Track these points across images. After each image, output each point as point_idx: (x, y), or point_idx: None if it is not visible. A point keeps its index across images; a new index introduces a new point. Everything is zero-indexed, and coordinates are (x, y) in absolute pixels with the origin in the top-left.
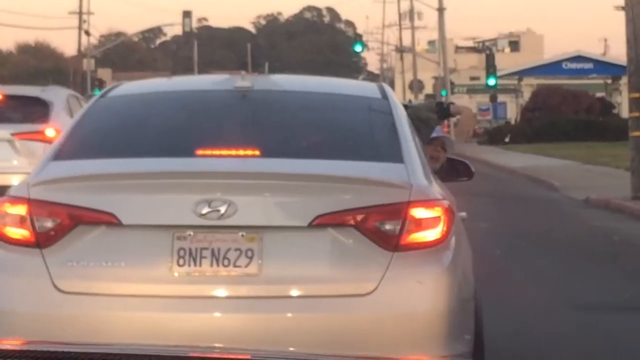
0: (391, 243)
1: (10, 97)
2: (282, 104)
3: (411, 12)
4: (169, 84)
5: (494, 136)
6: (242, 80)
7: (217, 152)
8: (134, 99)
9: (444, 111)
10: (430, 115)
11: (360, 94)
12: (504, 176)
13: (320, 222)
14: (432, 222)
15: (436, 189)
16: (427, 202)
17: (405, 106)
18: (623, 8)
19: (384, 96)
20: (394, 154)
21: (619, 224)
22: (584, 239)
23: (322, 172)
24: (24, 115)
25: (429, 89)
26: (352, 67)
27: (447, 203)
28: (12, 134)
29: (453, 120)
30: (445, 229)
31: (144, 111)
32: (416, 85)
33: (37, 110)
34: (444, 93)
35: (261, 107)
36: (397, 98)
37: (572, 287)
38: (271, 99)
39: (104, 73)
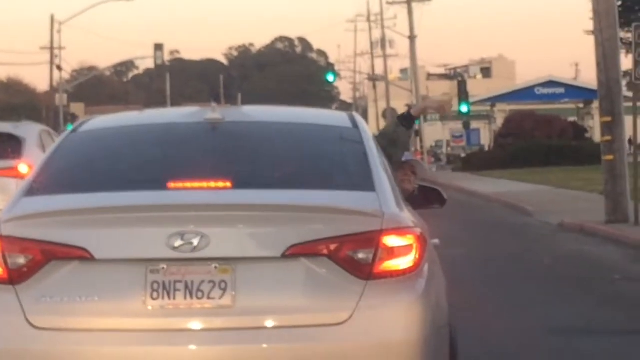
0: (364, 272)
1: None
2: (253, 135)
3: (383, 40)
4: (140, 118)
5: (467, 163)
6: (213, 112)
7: (188, 184)
8: (104, 133)
9: (406, 119)
10: (398, 130)
11: (331, 123)
12: (478, 202)
13: (293, 252)
14: (404, 250)
15: (408, 216)
16: (400, 230)
17: (375, 136)
18: (593, 32)
19: (355, 125)
20: (365, 183)
21: (593, 248)
22: (560, 264)
23: (294, 202)
24: None
25: None
26: (325, 97)
27: (420, 231)
28: None
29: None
30: (418, 256)
31: (115, 145)
32: (389, 114)
33: (9, 146)
34: (416, 121)
35: (232, 139)
36: (367, 127)
37: (548, 311)
38: (242, 130)
39: (77, 107)
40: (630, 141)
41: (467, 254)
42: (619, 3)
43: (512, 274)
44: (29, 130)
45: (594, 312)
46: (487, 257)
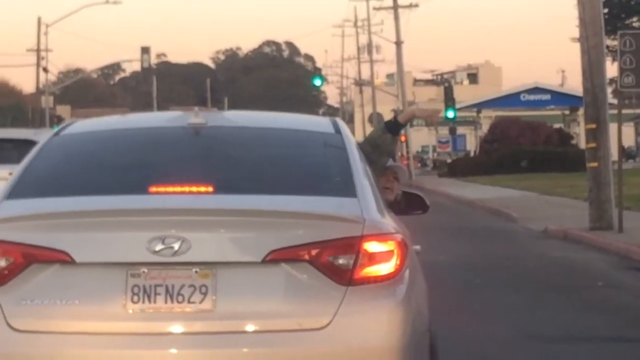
0: (345, 277)
1: (4, 140)
2: (235, 140)
3: (369, 45)
4: (123, 122)
5: (453, 168)
6: (196, 117)
7: (170, 189)
8: (87, 137)
9: (394, 126)
10: (384, 137)
11: (314, 128)
12: (463, 208)
13: (274, 258)
14: (385, 256)
15: (389, 222)
16: (380, 236)
17: (359, 143)
18: (579, 40)
19: (337, 131)
20: (347, 189)
21: (577, 255)
22: (543, 270)
23: (275, 207)
24: (18, 156)
25: None
26: (312, 101)
27: (401, 236)
28: (10, 173)
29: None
30: (398, 262)
31: (97, 149)
32: (375, 118)
33: (30, 151)
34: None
35: (214, 144)
36: (350, 132)
37: (531, 318)
38: (224, 135)
39: (63, 110)
40: (623, 149)
41: (450, 260)
42: (605, 10)
43: (495, 280)
44: (46, 136)
45: (577, 319)
46: (470, 264)
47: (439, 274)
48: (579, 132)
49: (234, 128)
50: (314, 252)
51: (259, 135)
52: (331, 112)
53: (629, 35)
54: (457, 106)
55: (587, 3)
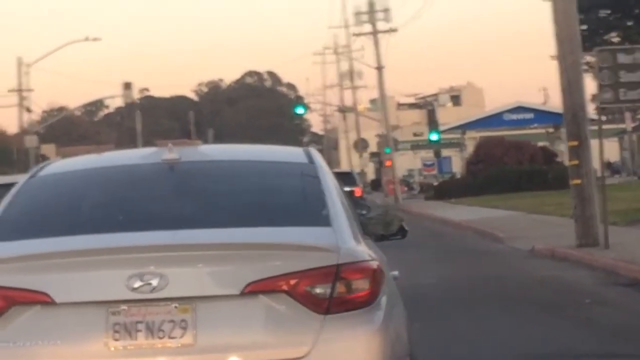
0: (322, 306)
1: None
2: (209, 174)
3: (351, 72)
4: (98, 160)
5: (440, 191)
6: (170, 153)
7: (146, 225)
8: (63, 177)
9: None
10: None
11: (287, 159)
12: (450, 230)
13: (252, 290)
14: (361, 284)
15: (365, 249)
16: (356, 264)
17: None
18: (557, 58)
19: (311, 160)
20: (321, 218)
21: (564, 273)
22: (530, 289)
23: (251, 240)
24: None
25: (373, 147)
26: (296, 130)
27: (376, 264)
28: None
29: None
30: (375, 289)
31: (73, 189)
32: (360, 145)
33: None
34: (387, 150)
35: (189, 178)
36: (323, 161)
37: (519, 337)
38: (198, 170)
39: (48, 149)
40: (609, 164)
41: (437, 282)
42: (584, 27)
43: (483, 301)
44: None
45: (565, 336)
46: (458, 285)
47: (427, 296)
48: (563, 150)
49: (207, 162)
50: (291, 282)
51: (232, 168)
52: (315, 139)
53: (607, 52)
54: (441, 128)
55: (563, 22)
